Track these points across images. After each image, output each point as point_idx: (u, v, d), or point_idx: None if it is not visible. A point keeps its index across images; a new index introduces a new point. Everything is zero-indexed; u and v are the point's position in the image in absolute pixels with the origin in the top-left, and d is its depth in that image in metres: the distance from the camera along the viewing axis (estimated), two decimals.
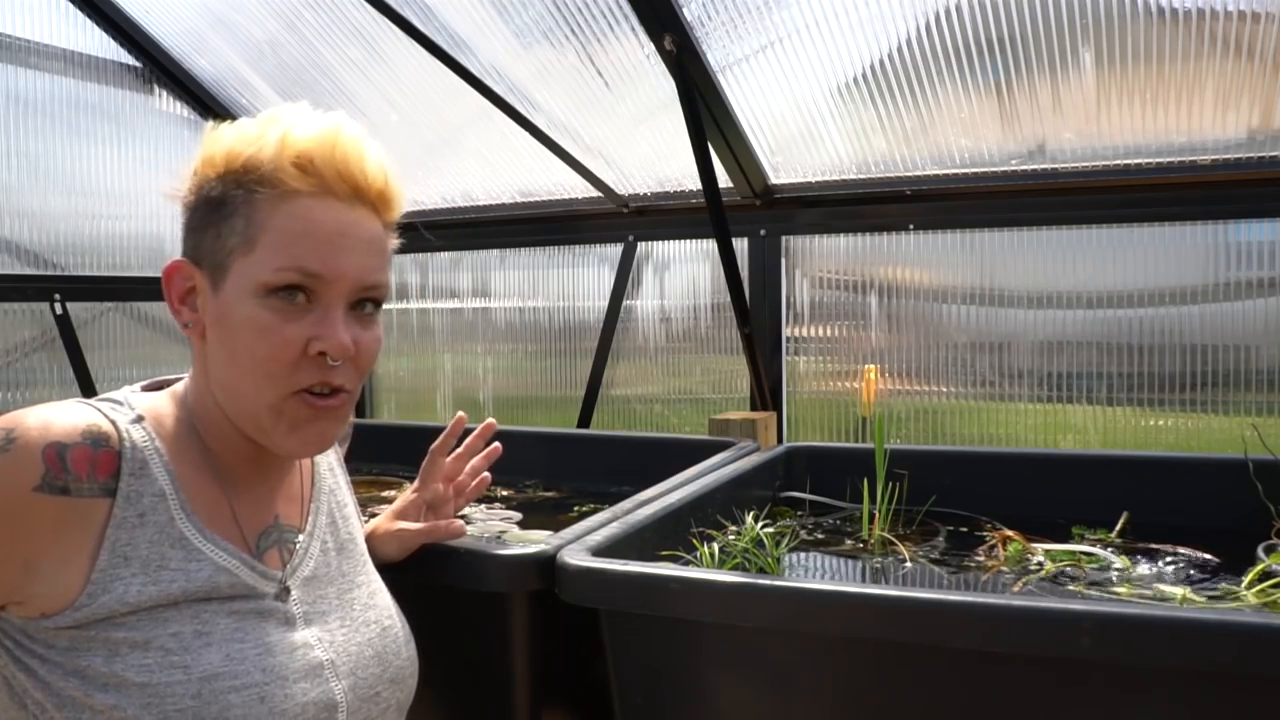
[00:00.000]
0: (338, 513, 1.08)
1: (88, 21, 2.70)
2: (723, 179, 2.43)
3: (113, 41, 2.76)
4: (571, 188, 2.83)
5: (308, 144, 0.91)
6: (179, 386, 0.98)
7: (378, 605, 1.05)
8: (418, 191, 2.96)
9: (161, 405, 0.95)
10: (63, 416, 0.85)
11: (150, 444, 0.90)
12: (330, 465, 1.12)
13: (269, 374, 0.90)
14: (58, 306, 2.58)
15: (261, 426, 0.92)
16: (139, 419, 0.91)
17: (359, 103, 2.76)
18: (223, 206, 0.91)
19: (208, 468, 0.94)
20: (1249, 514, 1.58)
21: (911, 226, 2.47)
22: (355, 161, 0.93)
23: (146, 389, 0.99)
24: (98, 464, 0.85)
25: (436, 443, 1.27)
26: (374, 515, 1.27)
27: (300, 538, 1.01)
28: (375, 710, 0.98)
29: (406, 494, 1.26)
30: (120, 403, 0.92)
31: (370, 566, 1.10)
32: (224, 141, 0.93)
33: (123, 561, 0.84)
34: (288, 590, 0.95)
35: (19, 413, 0.84)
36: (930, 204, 2.42)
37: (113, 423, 0.88)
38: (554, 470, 2.20)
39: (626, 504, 1.44)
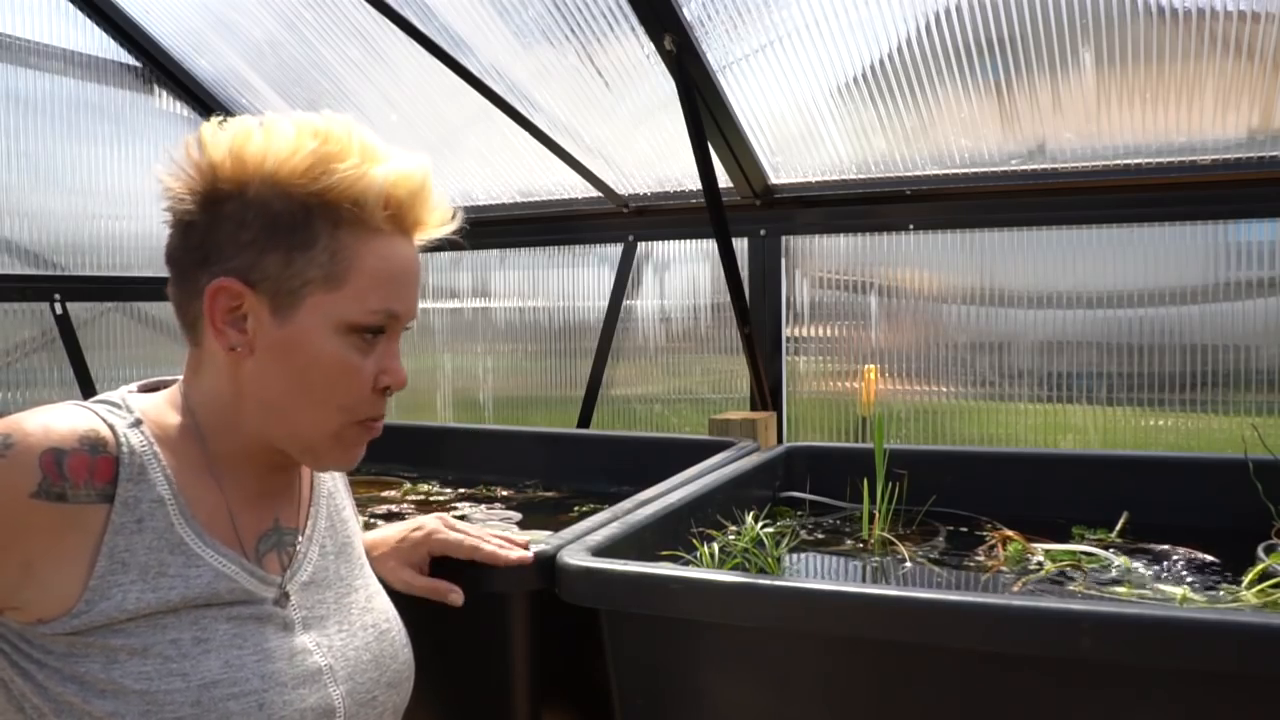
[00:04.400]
0: (336, 516, 1.08)
1: (88, 21, 2.70)
2: (723, 179, 2.43)
3: (113, 41, 2.76)
4: (571, 188, 2.83)
5: (399, 185, 0.90)
6: (175, 391, 0.97)
7: (375, 609, 1.05)
8: None
9: (160, 408, 0.94)
10: (60, 421, 0.84)
11: (149, 449, 0.88)
12: None
13: (341, 407, 0.92)
14: (58, 306, 2.57)
15: (313, 449, 0.95)
16: (137, 423, 0.90)
17: (359, 103, 2.76)
18: (297, 231, 0.88)
19: (208, 472, 0.93)
20: (1249, 514, 1.58)
21: (911, 226, 2.47)
22: (435, 208, 0.95)
23: (143, 389, 0.98)
24: (95, 470, 0.84)
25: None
26: (372, 521, 1.27)
27: (299, 541, 1.01)
28: (372, 714, 0.98)
29: (413, 535, 1.20)
30: (118, 405, 0.91)
31: (368, 569, 1.10)
32: (279, 148, 0.88)
33: (121, 568, 0.84)
34: (286, 595, 0.95)
35: (15, 417, 0.84)
36: (930, 204, 2.42)
37: (111, 427, 0.87)
38: (554, 470, 2.20)
39: (626, 504, 1.44)
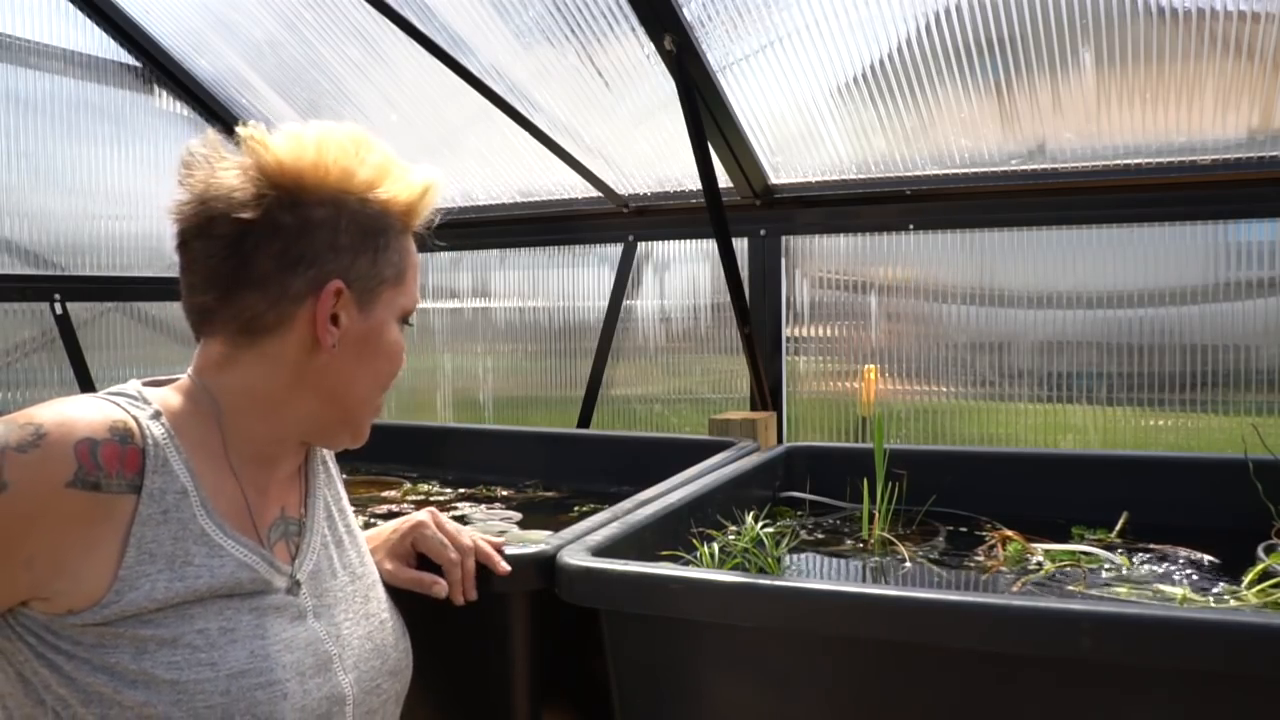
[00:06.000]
0: (334, 506, 1.10)
1: (88, 21, 2.70)
2: (723, 179, 2.43)
3: (113, 41, 2.76)
4: (571, 188, 2.83)
5: (430, 193, 1.02)
6: (188, 384, 0.97)
7: (374, 598, 1.07)
8: None
9: (175, 400, 0.95)
10: (89, 412, 0.86)
11: (169, 440, 0.90)
12: (324, 460, 1.13)
13: (385, 386, 1.04)
14: (58, 306, 2.58)
15: (353, 426, 1.03)
16: (157, 414, 0.91)
17: (359, 103, 2.76)
18: (379, 236, 0.98)
19: (225, 463, 0.95)
20: (1249, 514, 1.58)
21: (911, 226, 2.47)
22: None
23: (149, 385, 0.98)
24: (126, 460, 0.86)
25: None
26: (371, 521, 1.27)
27: (303, 531, 1.02)
28: (377, 702, 1.00)
29: (401, 527, 1.20)
30: (135, 397, 0.93)
31: (368, 560, 1.11)
32: (366, 164, 0.97)
33: (149, 558, 0.85)
34: (298, 584, 0.97)
35: (41, 408, 0.85)
36: (930, 204, 2.42)
37: (135, 419, 0.88)
38: (554, 470, 2.20)
39: (626, 504, 1.44)
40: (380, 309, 0.99)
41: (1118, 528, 1.61)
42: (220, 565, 0.89)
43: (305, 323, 0.94)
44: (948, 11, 2.01)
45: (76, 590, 0.83)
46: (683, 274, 2.81)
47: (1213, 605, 1.24)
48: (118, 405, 0.89)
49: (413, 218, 1.02)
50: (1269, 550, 1.43)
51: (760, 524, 1.47)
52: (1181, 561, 1.45)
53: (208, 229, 0.93)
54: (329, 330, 0.94)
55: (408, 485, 2.19)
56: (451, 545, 1.13)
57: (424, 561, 1.16)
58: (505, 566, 1.13)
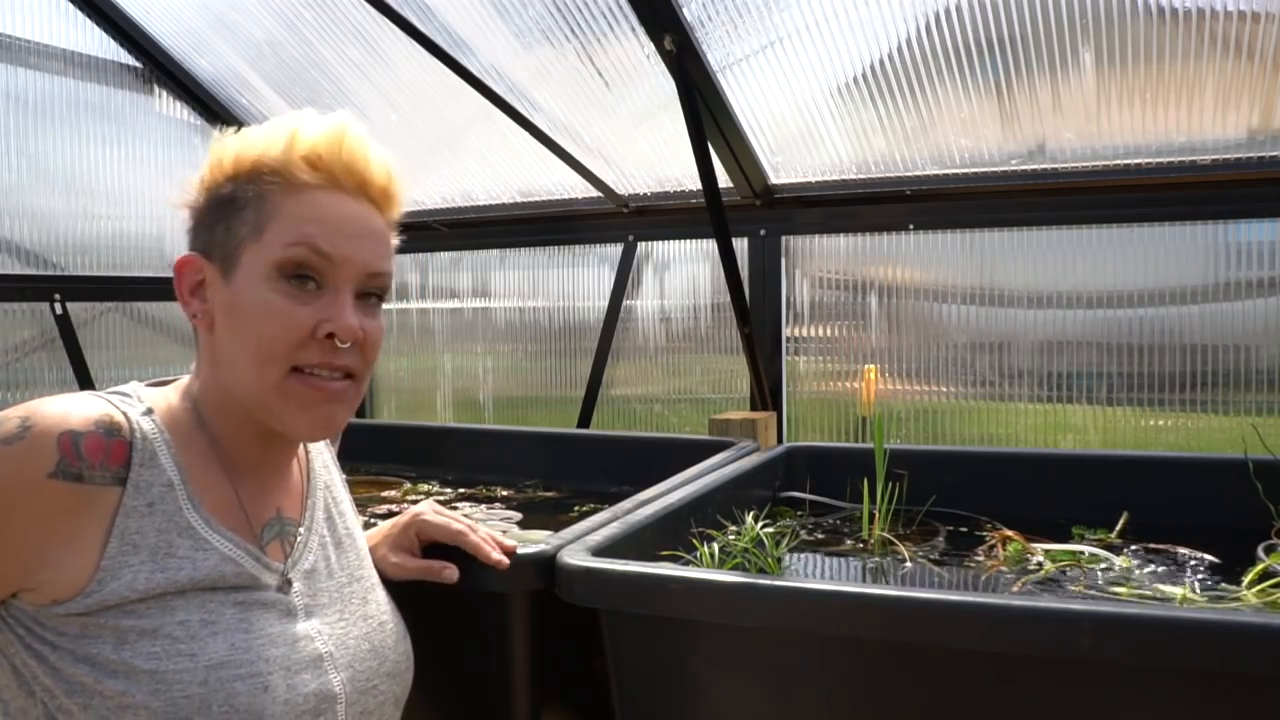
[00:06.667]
0: (334, 508, 1.10)
1: (88, 21, 2.70)
2: (723, 179, 2.43)
3: (113, 41, 2.76)
4: (571, 188, 2.83)
5: (316, 140, 0.95)
6: (183, 382, 1.00)
7: (374, 600, 1.07)
8: (418, 191, 2.96)
9: (168, 399, 0.97)
10: (76, 406, 0.88)
11: (159, 435, 0.91)
12: (325, 462, 1.13)
13: (273, 355, 0.92)
14: (58, 306, 2.58)
15: (271, 410, 0.94)
16: (148, 411, 0.93)
17: (359, 103, 2.76)
18: (234, 202, 0.95)
19: (215, 459, 0.96)
20: (1249, 514, 1.58)
21: (911, 226, 2.47)
22: (361, 158, 0.97)
23: (150, 386, 1.01)
24: (110, 452, 0.87)
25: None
26: (371, 522, 1.27)
27: (300, 532, 1.02)
28: (373, 703, 1.00)
29: (400, 520, 1.20)
30: (129, 395, 0.94)
31: (368, 562, 1.11)
32: (232, 147, 0.97)
33: (131, 549, 0.86)
34: (289, 582, 0.97)
35: (32, 403, 0.87)
36: (930, 204, 2.42)
37: (124, 414, 0.90)
38: (554, 470, 2.20)
39: (626, 504, 1.44)
40: (242, 271, 0.93)
41: (1118, 528, 1.61)
42: (204, 558, 0.90)
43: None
44: (948, 11, 2.01)
45: (60, 580, 0.84)
46: (683, 274, 2.81)
47: (1213, 605, 1.24)
48: (108, 402, 0.91)
49: (291, 169, 0.94)
50: (1269, 550, 1.43)
51: (760, 524, 1.47)
52: (1182, 562, 1.45)
53: None
54: (188, 302, 0.96)
55: (408, 485, 2.19)
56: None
57: (428, 553, 1.16)
58: (497, 557, 1.13)
